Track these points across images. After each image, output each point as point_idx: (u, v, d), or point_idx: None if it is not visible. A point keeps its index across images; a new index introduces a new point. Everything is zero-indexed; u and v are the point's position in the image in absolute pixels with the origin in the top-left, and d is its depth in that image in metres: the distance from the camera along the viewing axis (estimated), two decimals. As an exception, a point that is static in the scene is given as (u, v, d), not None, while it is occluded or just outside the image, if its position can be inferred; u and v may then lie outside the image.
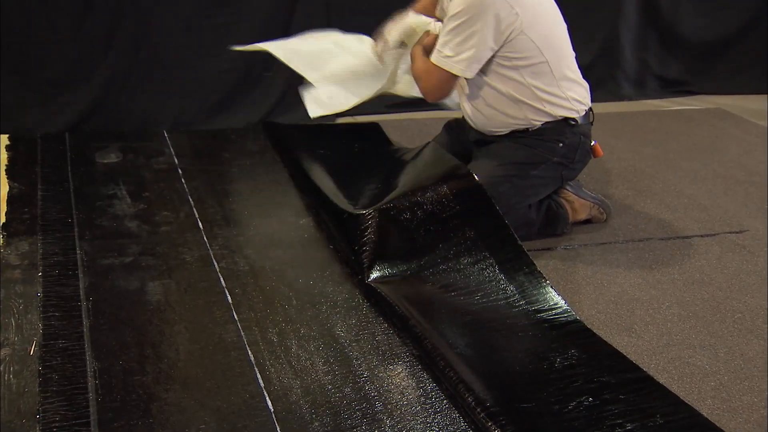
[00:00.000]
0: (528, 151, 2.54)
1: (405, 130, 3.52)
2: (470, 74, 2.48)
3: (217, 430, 1.65)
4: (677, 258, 2.53)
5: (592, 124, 2.65)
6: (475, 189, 2.37)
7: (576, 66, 2.61)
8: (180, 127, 3.42)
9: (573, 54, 2.60)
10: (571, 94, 2.54)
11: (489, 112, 2.58)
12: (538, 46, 2.45)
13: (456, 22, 2.40)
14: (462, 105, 2.72)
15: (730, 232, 2.71)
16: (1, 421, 1.63)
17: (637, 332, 2.11)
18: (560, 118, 2.53)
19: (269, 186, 2.87)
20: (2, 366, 1.80)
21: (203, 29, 3.42)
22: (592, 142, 2.66)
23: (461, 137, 2.78)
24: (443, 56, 2.46)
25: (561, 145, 2.54)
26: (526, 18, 2.41)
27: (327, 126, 3.51)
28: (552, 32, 2.53)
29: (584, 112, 2.60)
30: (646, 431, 1.70)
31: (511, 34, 2.41)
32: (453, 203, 2.34)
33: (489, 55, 2.45)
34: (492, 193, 2.37)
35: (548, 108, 2.51)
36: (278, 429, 1.66)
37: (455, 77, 2.49)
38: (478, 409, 1.68)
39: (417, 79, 2.61)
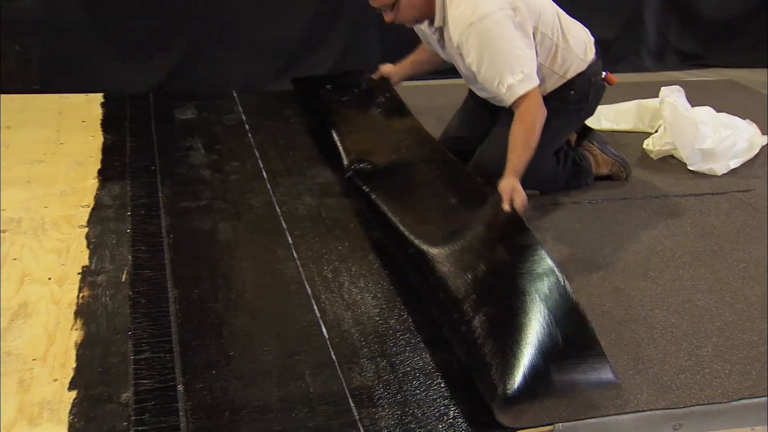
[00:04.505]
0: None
1: (420, 96, 3.28)
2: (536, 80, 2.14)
3: (279, 352, 1.67)
4: (690, 213, 2.47)
5: (599, 57, 2.38)
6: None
7: (568, 18, 2.33)
8: (248, 89, 3.42)
9: (558, 10, 2.32)
10: (577, 51, 2.31)
11: None
12: (539, 28, 2.22)
13: (487, 53, 2.10)
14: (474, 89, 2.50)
15: (738, 191, 2.65)
16: (100, 336, 1.68)
17: (652, 277, 2.08)
18: (572, 76, 2.33)
19: (325, 141, 2.86)
20: (100, 289, 1.84)
21: (269, 1, 3.40)
22: (603, 74, 2.41)
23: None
24: (519, 82, 2.09)
25: (572, 92, 2.34)
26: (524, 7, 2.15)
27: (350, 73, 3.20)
28: (541, 4, 2.26)
29: (592, 57, 2.36)
30: None
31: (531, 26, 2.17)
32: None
33: (533, 50, 2.17)
34: None
35: (562, 74, 2.31)
36: (332, 353, 1.68)
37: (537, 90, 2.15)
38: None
39: (527, 131, 2.11)
